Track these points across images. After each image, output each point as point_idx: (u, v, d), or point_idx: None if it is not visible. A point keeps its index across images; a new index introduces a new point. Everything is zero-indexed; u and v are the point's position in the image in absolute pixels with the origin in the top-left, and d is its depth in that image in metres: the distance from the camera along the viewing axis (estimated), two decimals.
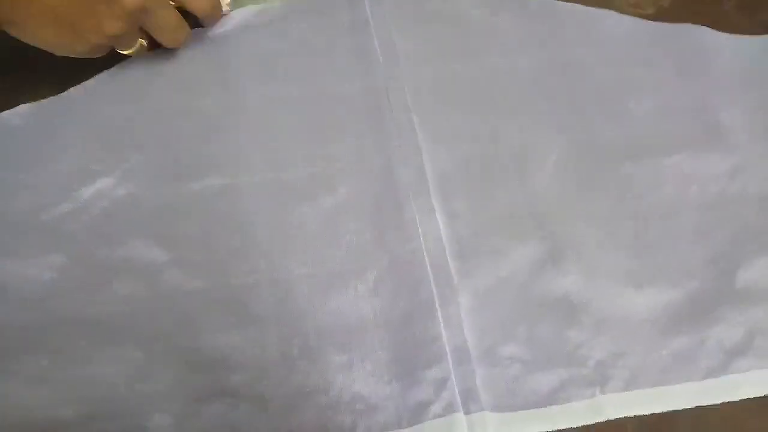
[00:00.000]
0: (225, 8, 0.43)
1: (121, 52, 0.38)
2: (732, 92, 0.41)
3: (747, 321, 0.32)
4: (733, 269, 0.34)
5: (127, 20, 0.34)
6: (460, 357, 0.31)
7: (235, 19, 0.43)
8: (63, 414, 0.29)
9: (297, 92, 0.40)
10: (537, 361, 0.31)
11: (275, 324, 0.32)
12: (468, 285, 0.33)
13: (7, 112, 0.38)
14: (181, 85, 0.40)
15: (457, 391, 0.30)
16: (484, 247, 0.34)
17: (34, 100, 0.38)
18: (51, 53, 0.36)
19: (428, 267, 0.33)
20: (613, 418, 0.30)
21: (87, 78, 0.39)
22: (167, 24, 0.37)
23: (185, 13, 0.39)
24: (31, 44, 0.35)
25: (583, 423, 0.30)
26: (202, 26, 0.42)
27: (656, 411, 0.30)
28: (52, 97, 0.39)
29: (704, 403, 0.30)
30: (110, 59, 0.40)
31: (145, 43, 0.39)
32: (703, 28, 0.43)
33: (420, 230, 0.34)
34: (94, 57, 0.37)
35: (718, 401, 0.30)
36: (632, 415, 0.30)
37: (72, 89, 0.39)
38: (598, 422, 0.30)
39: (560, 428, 0.30)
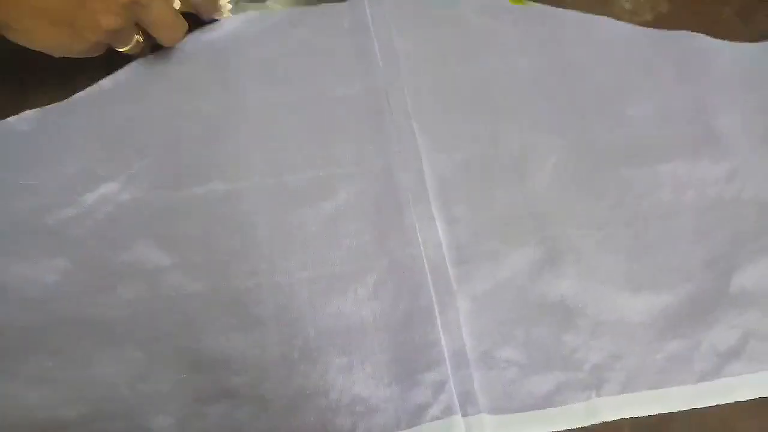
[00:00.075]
0: (226, 13, 0.44)
1: (119, 50, 0.38)
2: (729, 97, 0.41)
3: (741, 324, 0.33)
4: (728, 273, 0.34)
5: (123, 14, 0.34)
6: (458, 361, 0.31)
7: (236, 23, 0.44)
8: (65, 414, 0.30)
9: (298, 96, 0.40)
10: (534, 364, 0.32)
11: (276, 326, 0.32)
12: (466, 289, 0.33)
13: (13, 117, 0.38)
14: (184, 90, 0.40)
15: (455, 393, 0.30)
16: (483, 251, 0.34)
17: (40, 106, 0.39)
18: (52, 57, 0.36)
19: (428, 273, 0.34)
20: (608, 420, 0.30)
21: (91, 84, 0.40)
22: (162, 19, 0.37)
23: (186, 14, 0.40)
24: (30, 47, 0.35)
25: (579, 425, 0.30)
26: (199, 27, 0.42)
27: (651, 413, 0.30)
28: (57, 103, 0.39)
29: (698, 406, 0.31)
30: (113, 65, 0.40)
31: (141, 39, 0.39)
32: (700, 34, 0.44)
33: (419, 237, 0.35)
34: (93, 56, 0.37)
35: (713, 404, 0.31)
36: (628, 417, 0.30)
37: (76, 95, 0.40)
38: (594, 424, 0.30)
39: (556, 430, 0.30)
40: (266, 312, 0.32)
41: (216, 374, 0.31)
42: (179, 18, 0.39)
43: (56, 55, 0.36)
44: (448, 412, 0.30)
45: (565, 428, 0.30)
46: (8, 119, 0.38)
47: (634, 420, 0.30)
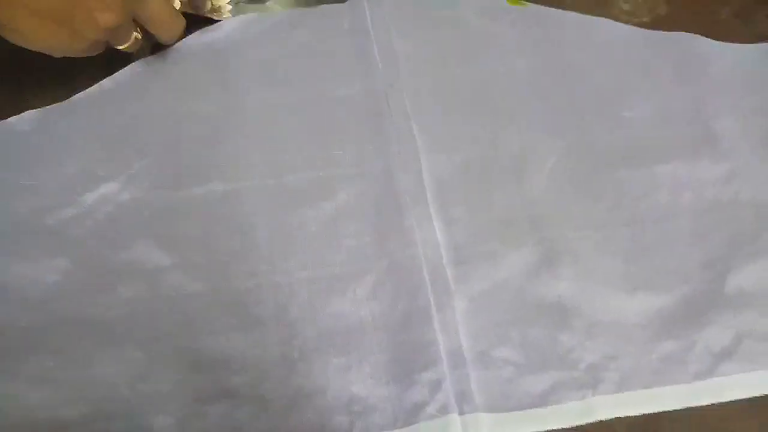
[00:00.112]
0: (226, 14, 0.44)
1: (118, 47, 0.38)
2: (727, 99, 0.41)
3: (735, 325, 0.33)
4: (723, 274, 0.34)
5: (120, 12, 0.34)
6: (455, 360, 0.32)
7: (236, 24, 0.44)
8: (66, 414, 0.30)
9: (298, 97, 0.40)
10: (530, 363, 0.32)
11: (276, 326, 0.32)
12: (464, 289, 0.34)
13: (13, 118, 0.39)
14: (184, 90, 0.40)
15: (452, 392, 0.31)
16: (481, 252, 0.35)
17: (40, 107, 0.39)
18: (51, 57, 0.36)
19: (425, 273, 0.34)
20: (603, 419, 0.31)
21: (91, 84, 0.40)
22: (160, 16, 0.37)
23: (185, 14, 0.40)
24: (29, 48, 0.35)
25: (575, 424, 0.30)
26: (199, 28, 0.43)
27: (645, 412, 0.31)
28: (57, 104, 0.39)
29: (692, 405, 0.31)
30: (113, 65, 0.41)
31: (139, 36, 0.39)
32: (699, 36, 0.44)
33: (418, 237, 0.35)
34: (93, 55, 0.37)
35: (707, 403, 0.31)
36: (623, 417, 0.31)
37: (76, 96, 0.40)
38: (589, 423, 0.31)
39: (552, 429, 0.30)
40: (266, 312, 0.33)
41: (216, 374, 0.31)
42: (177, 15, 0.39)
43: (56, 54, 0.37)
44: (444, 410, 0.30)
45: (560, 427, 0.30)
46: (8, 119, 0.39)
47: (629, 419, 0.31)
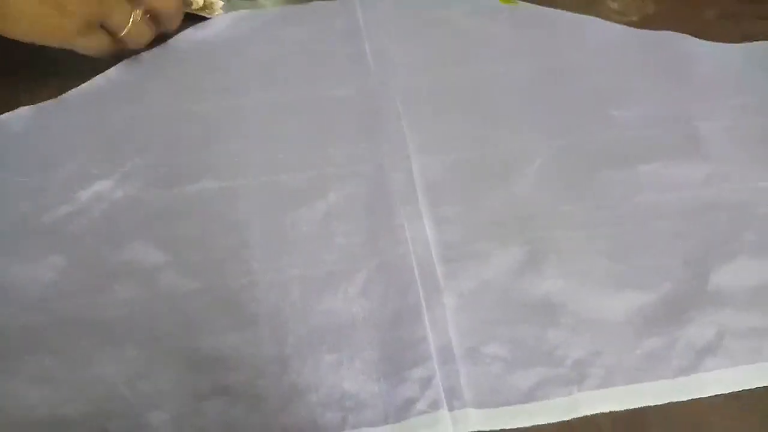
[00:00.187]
0: (218, 11, 0.44)
1: (115, 33, 0.38)
2: (712, 100, 0.42)
3: (717, 322, 0.33)
4: (705, 273, 0.35)
5: None
6: (444, 356, 0.32)
7: (228, 22, 0.44)
8: (65, 412, 0.30)
9: (290, 96, 0.41)
10: (518, 360, 0.32)
11: (270, 324, 0.33)
12: (453, 287, 0.34)
13: (6, 114, 0.39)
14: (177, 87, 0.41)
15: (441, 388, 0.31)
16: (470, 251, 0.35)
17: (34, 103, 0.39)
18: (44, 52, 0.36)
19: (416, 271, 0.34)
20: (589, 414, 0.31)
21: (84, 82, 0.40)
22: None
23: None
24: (17, 34, 0.35)
25: (561, 419, 0.31)
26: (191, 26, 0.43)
27: (629, 407, 0.31)
28: (50, 100, 0.40)
29: (675, 400, 0.32)
30: (105, 63, 0.41)
31: (139, 15, 0.38)
32: (686, 36, 0.45)
33: (408, 235, 0.35)
34: (89, 43, 0.37)
35: (689, 398, 0.32)
36: (607, 411, 0.32)
37: (69, 92, 0.40)
38: (575, 418, 0.31)
39: (539, 423, 0.31)
40: (260, 310, 0.33)
41: (212, 372, 0.31)
42: None
43: (48, 42, 0.36)
44: (434, 406, 0.31)
45: (547, 422, 0.31)
46: (1, 116, 0.39)
47: (613, 414, 0.31)
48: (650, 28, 0.45)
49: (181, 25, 0.43)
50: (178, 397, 0.31)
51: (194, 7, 0.43)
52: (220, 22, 0.44)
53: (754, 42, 0.45)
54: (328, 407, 0.31)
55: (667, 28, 0.45)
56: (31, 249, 0.34)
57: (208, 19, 0.44)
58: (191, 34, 0.43)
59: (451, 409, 0.31)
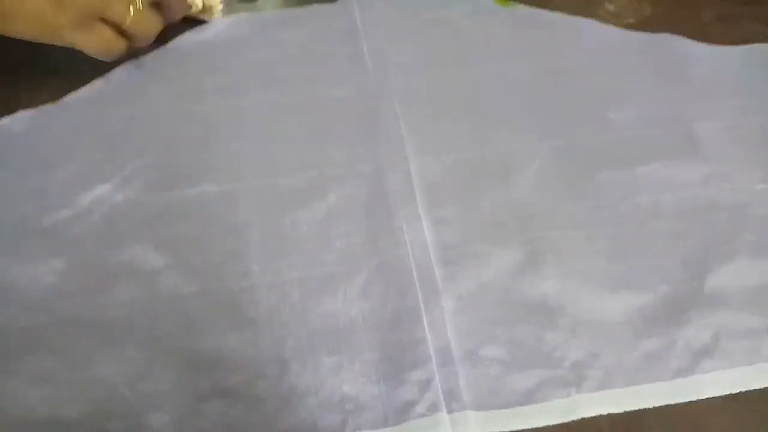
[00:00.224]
0: (217, 14, 0.44)
1: (119, 24, 0.37)
2: (709, 101, 0.42)
3: (714, 323, 0.34)
4: (702, 274, 0.35)
5: None
6: (443, 359, 0.32)
7: (227, 25, 0.44)
8: (66, 413, 0.30)
9: (291, 99, 0.41)
10: (516, 362, 0.33)
11: (269, 326, 0.33)
12: (452, 289, 0.34)
13: (7, 118, 0.39)
14: (177, 90, 0.41)
15: (440, 391, 0.31)
16: (468, 253, 0.35)
17: (34, 105, 0.40)
18: (44, 55, 0.36)
19: (414, 273, 0.35)
20: (587, 416, 0.32)
21: (84, 84, 0.40)
22: None
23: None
24: (18, 34, 0.35)
25: (560, 421, 0.31)
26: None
27: (628, 409, 0.32)
28: (50, 104, 0.40)
29: (673, 402, 0.32)
30: (105, 66, 0.41)
31: (139, 3, 0.37)
32: (682, 38, 0.45)
33: (407, 237, 0.36)
34: (91, 38, 0.36)
35: (686, 400, 0.32)
36: (606, 413, 0.32)
37: (69, 96, 0.40)
38: (573, 420, 0.32)
39: (537, 425, 0.31)
40: (259, 312, 0.33)
41: (212, 373, 0.31)
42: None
43: (49, 39, 0.36)
44: (434, 408, 0.31)
45: (546, 424, 0.31)
46: (1, 120, 0.39)
47: (612, 416, 0.32)
48: (647, 31, 0.45)
49: (181, 28, 0.43)
50: (178, 398, 0.31)
51: (194, 10, 0.43)
52: (220, 25, 0.44)
53: (752, 44, 0.45)
54: (327, 409, 0.31)
55: (664, 31, 0.45)
56: (32, 251, 0.35)
57: (208, 22, 0.44)
58: (191, 36, 0.43)
59: (450, 411, 0.31)
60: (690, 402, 0.32)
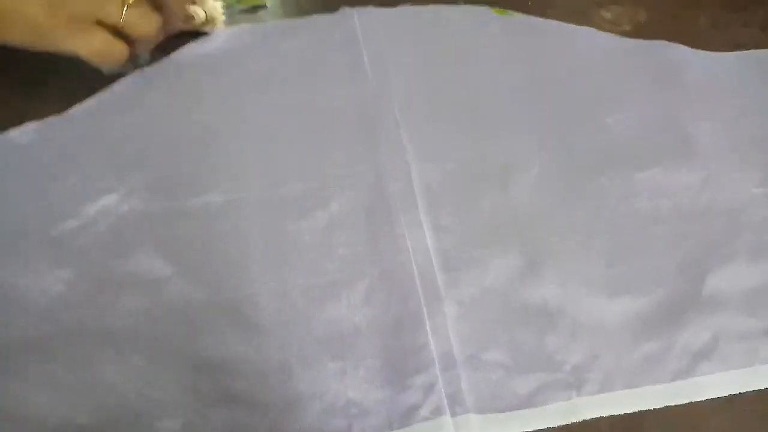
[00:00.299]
0: (219, 25, 0.45)
1: (114, 24, 0.37)
2: (705, 107, 0.43)
3: (712, 326, 0.34)
4: (700, 278, 0.36)
5: None
6: (446, 363, 0.33)
7: (229, 35, 0.45)
8: (75, 421, 0.31)
9: (292, 108, 0.41)
10: (518, 365, 0.33)
11: (274, 333, 0.33)
12: (453, 295, 0.35)
13: (14, 130, 0.39)
14: (180, 101, 0.41)
15: (444, 395, 0.32)
16: (469, 259, 0.36)
17: (40, 118, 0.40)
18: (54, 66, 0.36)
19: (416, 279, 0.35)
20: (588, 418, 0.32)
21: (88, 96, 0.41)
22: None
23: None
24: (17, 42, 0.35)
25: (560, 423, 0.32)
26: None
27: (628, 411, 0.32)
28: (56, 115, 0.40)
29: (672, 404, 0.32)
30: (109, 78, 0.41)
31: (130, 1, 0.37)
32: (678, 44, 0.45)
33: (409, 244, 0.36)
34: (90, 43, 0.36)
35: (685, 401, 0.32)
36: (606, 415, 0.32)
37: (75, 108, 0.41)
38: (574, 422, 0.32)
39: (539, 428, 0.32)
40: (264, 320, 0.34)
41: (218, 380, 0.32)
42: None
43: (49, 45, 0.36)
44: (437, 412, 0.31)
45: (547, 426, 0.32)
46: (8, 132, 0.39)
47: (612, 418, 0.32)
48: (643, 37, 0.46)
49: (184, 40, 0.43)
50: (185, 405, 0.31)
51: (196, 22, 0.43)
52: (222, 36, 0.45)
53: (747, 50, 0.46)
54: (333, 414, 0.31)
55: (660, 37, 0.46)
56: (39, 261, 0.35)
57: (210, 33, 0.45)
58: (193, 48, 0.44)
59: (453, 415, 0.32)
60: (689, 403, 0.32)
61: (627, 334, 0.34)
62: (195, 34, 0.44)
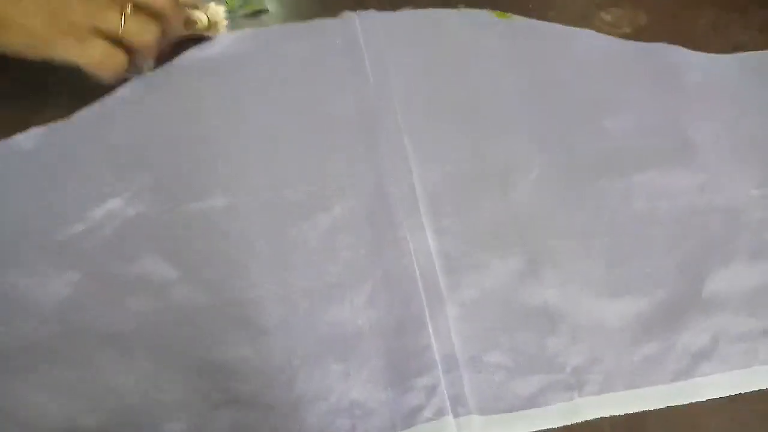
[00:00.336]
0: (222, 30, 0.45)
1: (113, 33, 0.37)
2: (704, 109, 0.43)
3: (712, 327, 0.35)
4: (699, 279, 0.36)
5: None
6: (448, 365, 0.33)
7: (232, 40, 0.45)
8: (82, 423, 0.31)
9: (294, 112, 0.42)
10: (519, 367, 0.33)
11: (278, 335, 0.34)
12: (455, 297, 0.35)
13: (19, 135, 0.40)
14: (184, 106, 0.42)
15: (446, 396, 0.32)
16: (471, 261, 0.36)
17: (44, 123, 0.40)
18: (57, 74, 0.36)
19: (419, 281, 0.35)
20: (589, 419, 0.32)
21: (92, 101, 0.41)
22: None
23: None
24: (18, 51, 0.35)
25: (562, 424, 0.32)
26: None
27: (629, 412, 0.32)
28: (61, 120, 0.40)
29: (672, 404, 0.33)
30: (114, 84, 0.42)
31: (129, 9, 0.37)
32: (678, 47, 0.46)
33: (411, 247, 0.36)
34: (90, 51, 0.36)
35: (686, 402, 0.33)
36: (607, 416, 0.33)
37: (79, 112, 0.41)
38: (575, 423, 0.32)
39: (541, 429, 0.32)
40: (268, 322, 0.34)
41: (223, 382, 0.32)
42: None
43: (49, 53, 0.36)
44: (440, 413, 0.32)
45: (548, 427, 0.32)
46: (14, 137, 0.40)
47: (612, 418, 0.32)
48: (643, 40, 0.46)
49: (186, 45, 0.44)
50: (190, 407, 0.32)
51: (199, 26, 0.44)
52: (224, 41, 0.45)
53: (746, 52, 0.46)
54: (336, 415, 0.32)
55: (660, 39, 0.46)
56: (47, 265, 0.35)
57: (212, 38, 0.45)
58: (195, 53, 0.44)
59: (456, 416, 0.32)
60: (689, 404, 0.33)
61: (627, 335, 0.34)
62: (198, 39, 0.44)
